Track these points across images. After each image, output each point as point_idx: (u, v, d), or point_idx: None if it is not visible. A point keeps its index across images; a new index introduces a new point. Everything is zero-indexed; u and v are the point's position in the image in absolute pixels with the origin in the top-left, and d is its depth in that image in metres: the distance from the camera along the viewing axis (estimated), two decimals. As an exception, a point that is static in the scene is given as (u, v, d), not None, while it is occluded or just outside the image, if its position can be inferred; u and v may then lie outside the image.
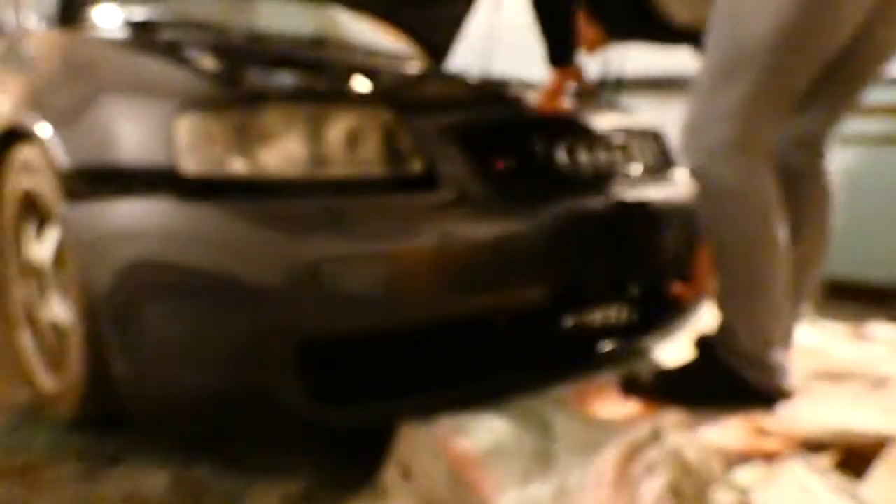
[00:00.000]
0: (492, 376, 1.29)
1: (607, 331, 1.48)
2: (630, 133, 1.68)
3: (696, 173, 1.26)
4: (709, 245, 1.32)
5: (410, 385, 1.22)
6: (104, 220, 1.22)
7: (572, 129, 1.50)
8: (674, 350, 1.65)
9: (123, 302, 1.19)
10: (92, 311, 1.26)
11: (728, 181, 1.22)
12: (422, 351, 1.22)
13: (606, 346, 1.48)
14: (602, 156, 1.51)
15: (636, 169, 1.61)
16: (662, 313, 1.65)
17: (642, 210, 1.51)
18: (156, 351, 1.18)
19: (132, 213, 1.18)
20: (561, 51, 1.55)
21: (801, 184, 1.38)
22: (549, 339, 1.36)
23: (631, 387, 1.38)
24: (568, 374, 1.40)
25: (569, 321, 1.39)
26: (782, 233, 1.25)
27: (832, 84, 1.31)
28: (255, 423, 1.32)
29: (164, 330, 1.17)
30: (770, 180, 1.24)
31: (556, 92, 1.58)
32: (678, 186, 1.68)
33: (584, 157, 1.47)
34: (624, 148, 1.60)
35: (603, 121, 1.62)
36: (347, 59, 1.93)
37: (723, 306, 1.31)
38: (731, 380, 1.28)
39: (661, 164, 1.73)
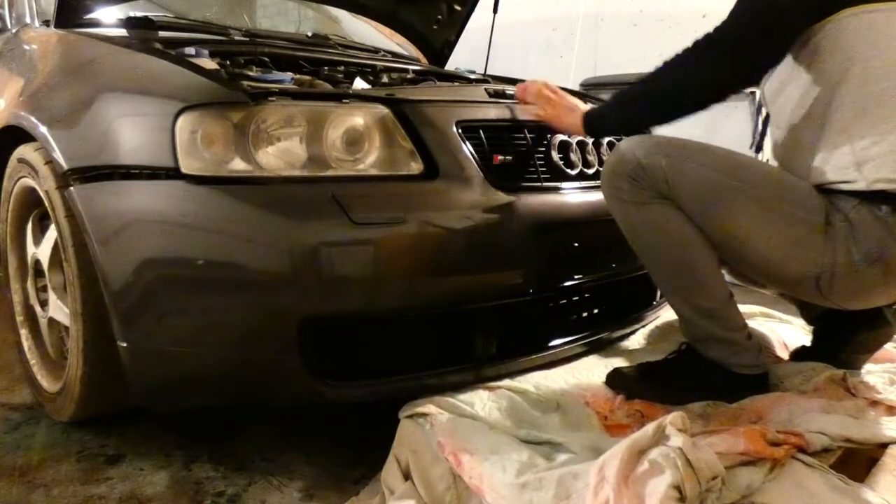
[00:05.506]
0: (479, 358, 1.31)
1: (588, 317, 1.53)
2: None
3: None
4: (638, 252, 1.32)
5: (405, 365, 1.24)
6: (106, 215, 1.22)
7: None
8: (655, 341, 1.67)
9: (128, 287, 1.19)
10: (93, 308, 1.26)
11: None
12: (415, 332, 1.25)
13: (587, 329, 1.52)
14: (591, 151, 1.55)
15: None
16: (642, 303, 1.71)
17: None
18: (161, 329, 1.19)
19: (134, 208, 1.19)
20: None
21: None
22: (533, 321, 1.40)
23: (614, 380, 1.38)
24: (550, 353, 1.43)
25: (554, 305, 1.44)
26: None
27: None
28: (257, 404, 1.33)
29: (171, 310, 1.19)
30: None
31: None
32: None
33: (575, 153, 1.50)
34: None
35: None
36: (347, 59, 1.93)
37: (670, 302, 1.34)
38: (710, 366, 1.29)
39: None
